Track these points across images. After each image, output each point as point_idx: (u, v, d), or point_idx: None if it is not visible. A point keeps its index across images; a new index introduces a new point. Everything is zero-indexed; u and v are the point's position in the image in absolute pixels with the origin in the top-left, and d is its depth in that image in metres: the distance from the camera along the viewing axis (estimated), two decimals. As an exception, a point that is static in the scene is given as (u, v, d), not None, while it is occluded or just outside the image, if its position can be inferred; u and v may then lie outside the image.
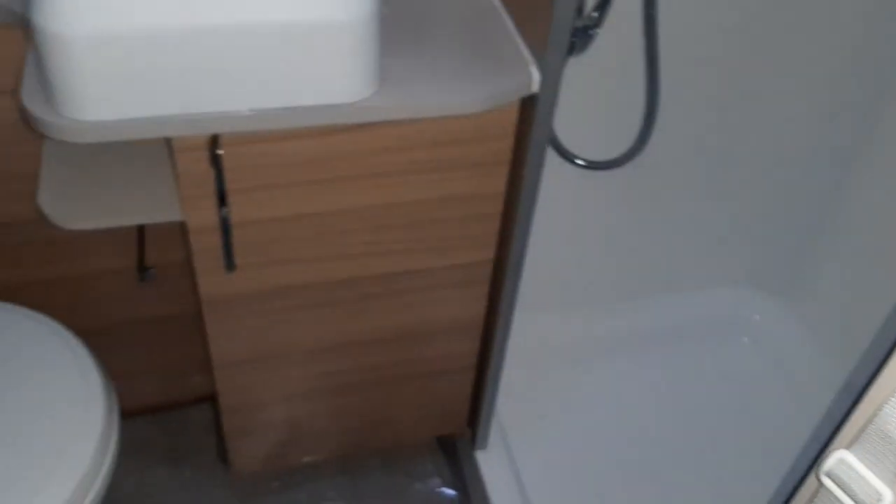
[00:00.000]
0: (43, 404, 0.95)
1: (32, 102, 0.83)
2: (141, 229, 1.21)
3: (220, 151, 0.89)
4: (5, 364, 0.99)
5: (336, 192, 0.99)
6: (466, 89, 0.91)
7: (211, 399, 1.51)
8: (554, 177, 1.40)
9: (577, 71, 1.28)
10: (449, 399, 1.36)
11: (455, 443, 1.46)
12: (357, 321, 1.16)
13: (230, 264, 1.01)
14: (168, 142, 0.91)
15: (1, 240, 1.18)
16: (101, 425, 0.94)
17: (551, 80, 0.93)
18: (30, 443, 0.92)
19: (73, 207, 0.97)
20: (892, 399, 0.53)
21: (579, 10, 1.13)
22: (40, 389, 0.97)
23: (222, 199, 0.94)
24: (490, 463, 1.41)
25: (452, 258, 1.12)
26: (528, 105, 0.97)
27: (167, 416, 1.49)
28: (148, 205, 0.98)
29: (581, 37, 1.14)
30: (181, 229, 1.22)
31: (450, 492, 1.45)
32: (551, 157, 1.33)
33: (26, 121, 0.84)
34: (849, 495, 0.56)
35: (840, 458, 0.57)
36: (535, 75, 0.93)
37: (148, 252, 1.24)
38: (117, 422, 0.99)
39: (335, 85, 0.85)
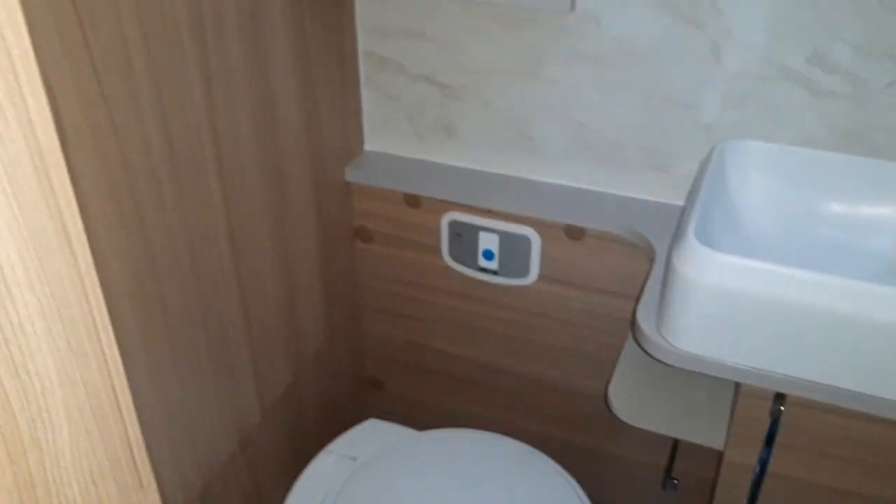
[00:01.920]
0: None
1: (643, 317, 1.02)
2: (677, 441, 1.34)
3: (783, 408, 0.97)
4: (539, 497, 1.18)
5: (877, 480, 0.98)
6: None
7: None
8: None
9: None
10: None
11: None
12: None
13: (750, 506, 1.07)
14: (737, 384, 1.02)
15: (570, 404, 1.42)
16: None
17: None
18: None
19: (633, 405, 1.14)
20: None
21: None
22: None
23: (768, 448, 1.01)
24: None
25: None
26: None
27: None
28: (697, 426, 1.10)
29: None
30: (717, 456, 1.32)
31: None
32: None
33: (634, 330, 1.03)
34: None
35: None
36: None
37: (677, 459, 1.36)
38: None
39: (919, 389, 0.87)
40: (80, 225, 0.41)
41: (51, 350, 0.41)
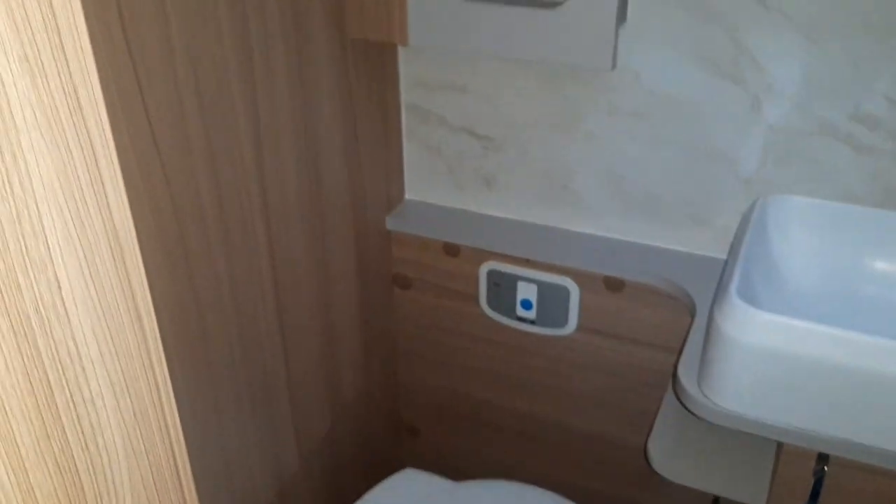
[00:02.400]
0: None
1: (685, 374, 1.01)
2: (717, 498, 1.32)
3: (826, 468, 0.96)
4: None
5: (929, 547, 0.96)
6: None
7: None
8: None
9: None
10: None
11: None
12: None
13: (794, 568, 1.05)
14: (779, 443, 1.01)
15: (607, 456, 1.41)
16: None
17: None
18: None
19: (673, 459, 1.13)
20: None
21: None
22: None
23: (811, 508, 1.00)
24: None
25: None
26: None
27: None
28: (738, 483, 1.08)
29: None
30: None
31: None
32: None
33: (676, 387, 1.02)
34: None
35: None
36: None
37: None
38: None
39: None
40: (150, 303, 0.42)
41: (118, 423, 0.43)
